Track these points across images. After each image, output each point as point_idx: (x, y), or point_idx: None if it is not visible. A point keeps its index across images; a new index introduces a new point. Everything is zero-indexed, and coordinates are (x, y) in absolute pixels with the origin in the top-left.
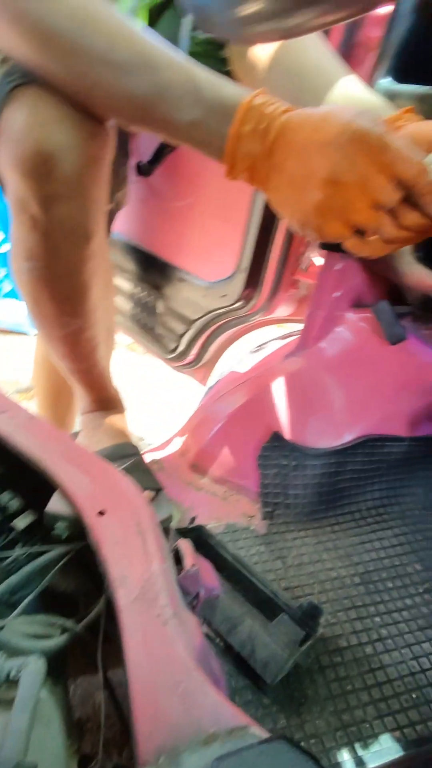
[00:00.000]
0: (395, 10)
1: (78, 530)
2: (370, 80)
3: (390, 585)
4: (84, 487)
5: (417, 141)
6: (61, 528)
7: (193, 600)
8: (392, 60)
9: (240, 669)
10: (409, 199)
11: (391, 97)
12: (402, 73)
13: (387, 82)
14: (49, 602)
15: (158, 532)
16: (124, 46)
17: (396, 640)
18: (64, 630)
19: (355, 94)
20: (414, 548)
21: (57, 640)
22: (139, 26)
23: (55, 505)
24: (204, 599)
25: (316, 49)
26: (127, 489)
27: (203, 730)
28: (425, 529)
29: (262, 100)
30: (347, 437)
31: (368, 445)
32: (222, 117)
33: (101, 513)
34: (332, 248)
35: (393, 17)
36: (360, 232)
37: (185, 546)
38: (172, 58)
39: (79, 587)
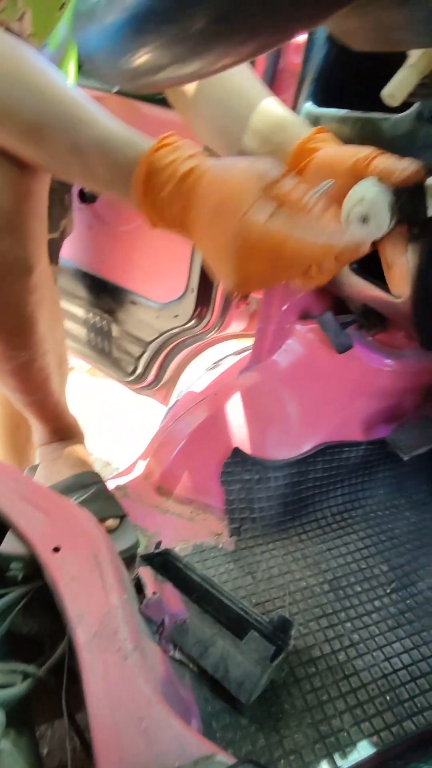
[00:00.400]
0: (309, 39)
1: (35, 569)
2: (295, 104)
3: (358, 588)
4: (38, 524)
5: (329, 167)
6: (16, 569)
7: (159, 628)
8: (312, 85)
9: (216, 692)
10: None
11: (315, 120)
12: (322, 98)
13: (310, 105)
14: (12, 647)
15: (117, 563)
16: (36, 103)
17: (368, 644)
18: (26, 676)
19: (275, 117)
20: (379, 549)
21: (18, 689)
22: (55, 78)
23: (9, 545)
24: (171, 625)
25: (239, 76)
26: (83, 521)
27: (168, 764)
28: (388, 530)
29: (163, 154)
30: (306, 446)
31: (327, 452)
32: (127, 178)
33: (56, 549)
34: None
35: (308, 45)
36: None
37: (146, 574)
38: (85, 115)
39: (43, 628)
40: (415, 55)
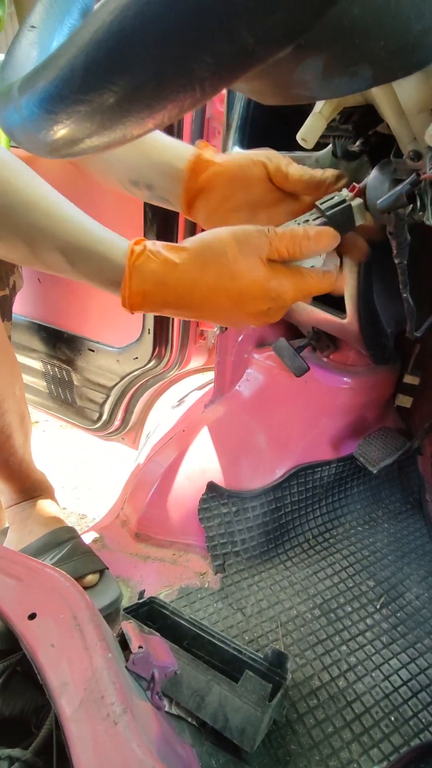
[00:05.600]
0: (229, 90)
1: (11, 641)
2: (224, 149)
3: (349, 609)
4: (9, 591)
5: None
6: None
7: (149, 684)
8: (237, 131)
9: (219, 744)
10: None
11: None
12: (248, 141)
13: (237, 149)
14: None
15: (99, 621)
16: (28, 213)
17: (365, 665)
18: (12, 761)
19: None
20: (363, 565)
21: None
22: (43, 190)
23: None
24: (161, 679)
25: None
26: (58, 583)
27: None
28: (370, 544)
29: (144, 258)
30: (279, 472)
31: (300, 474)
32: (115, 280)
33: (32, 616)
34: None
35: (230, 95)
36: None
37: (130, 628)
38: (69, 221)
39: (27, 705)
40: (319, 104)
